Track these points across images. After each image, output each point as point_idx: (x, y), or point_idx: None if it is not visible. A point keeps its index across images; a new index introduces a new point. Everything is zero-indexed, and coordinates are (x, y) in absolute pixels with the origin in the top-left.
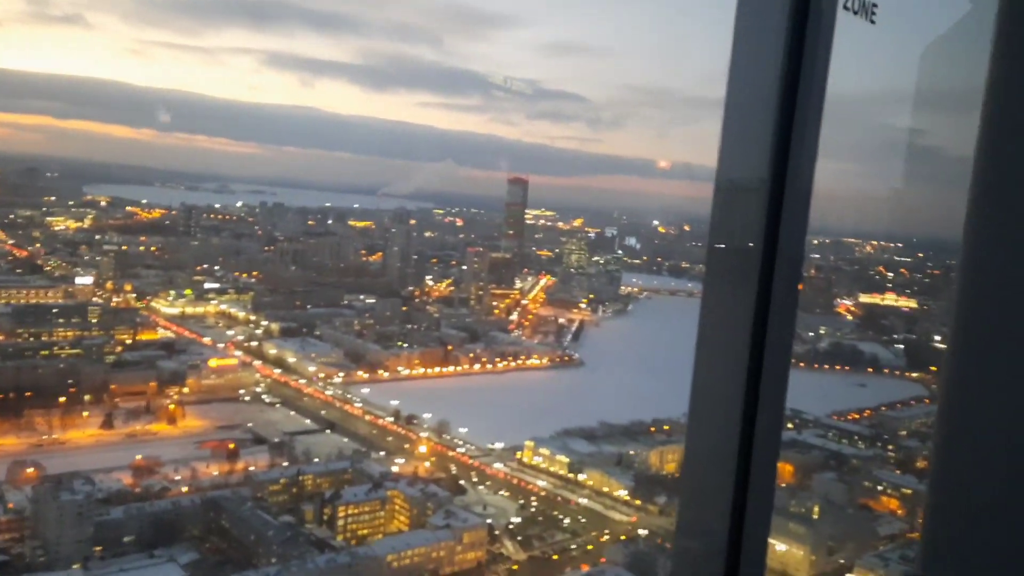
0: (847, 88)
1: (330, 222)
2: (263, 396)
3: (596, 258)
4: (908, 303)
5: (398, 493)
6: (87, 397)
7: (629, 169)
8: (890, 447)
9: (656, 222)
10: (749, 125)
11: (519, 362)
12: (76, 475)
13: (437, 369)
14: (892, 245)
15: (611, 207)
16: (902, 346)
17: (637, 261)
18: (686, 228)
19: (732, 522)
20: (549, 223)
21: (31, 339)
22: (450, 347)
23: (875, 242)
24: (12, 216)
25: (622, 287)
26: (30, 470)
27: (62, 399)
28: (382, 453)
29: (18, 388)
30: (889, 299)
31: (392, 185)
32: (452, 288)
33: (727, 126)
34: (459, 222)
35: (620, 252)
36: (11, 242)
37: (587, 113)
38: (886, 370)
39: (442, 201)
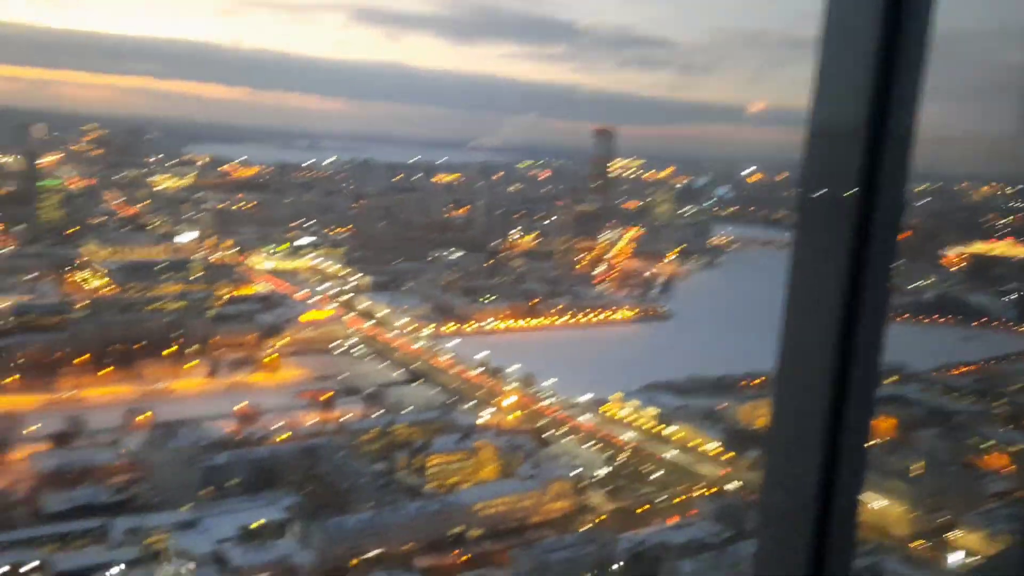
0: (956, 23)
1: (417, 177)
2: (355, 348)
3: (685, 209)
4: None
5: (486, 443)
6: (192, 348)
7: (721, 116)
8: (998, 403)
9: (749, 170)
10: (846, 65)
11: (605, 315)
12: (184, 422)
13: (523, 322)
14: (1006, 191)
15: (701, 156)
16: (1014, 297)
17: (728, 211)
18: (780, 176)
19: (822, 478)
20: (636, 173)
21: (140, 293)
22: (535, 300)
23: (987, 187)
24: (120, 175)
25: (712, 238)
26: (142, 417)
27: (169, 350)
28: (470, 404)
29: (130, 339)
30: (1001, 247)
31: (478, 139)
32: (537, 241)
33: (822, 67)
34: (544, 174)
35: (710, 202)
36: (119, 201)
37: (678, 59)
38: (996, 322)
39: (528, 153)
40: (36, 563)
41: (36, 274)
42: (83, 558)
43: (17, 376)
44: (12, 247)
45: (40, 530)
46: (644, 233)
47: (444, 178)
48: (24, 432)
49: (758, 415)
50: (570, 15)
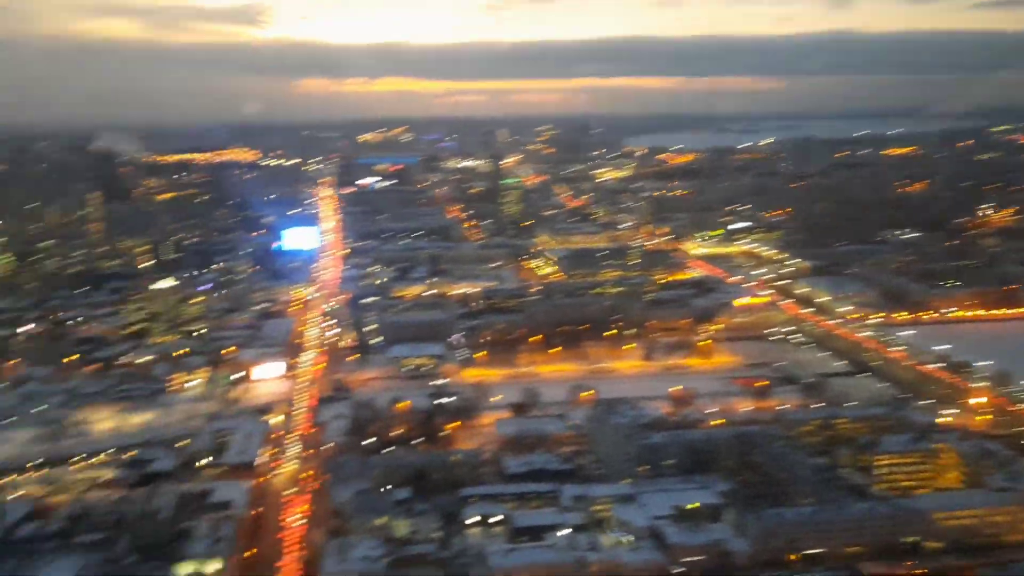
0: None
1: (863, 152)
2: (791, 336)
3: None
4: None
5: (947, 447)
6: (630, 331)
7: None
8: None
9: None
10: None
11: None
12: (623, 401)
13: (996, 311)
14: None
15: None
16: None
17: None
18: None
19: None
20: None
21: (584, 279)
22: (1014, 286)
23: None
24: (567, 171)
25: None
26: (586, 393)
27: (609, 332)
28: (926, 402)
29: (575, 322)
30: None
31: (938, 104)
32: (1016, 217)
33: None
34: None
35: None
36: (567, 194)
37: None
38: None
39: (1003, 117)
40: (500, 517)
41: (499, 263)
42: (538, 517)
43: (484, 351)
44: (481, 239)
45: (502, 488)
46: None
47: (896, 151)
48: (490, 400)
49: None
50: None
